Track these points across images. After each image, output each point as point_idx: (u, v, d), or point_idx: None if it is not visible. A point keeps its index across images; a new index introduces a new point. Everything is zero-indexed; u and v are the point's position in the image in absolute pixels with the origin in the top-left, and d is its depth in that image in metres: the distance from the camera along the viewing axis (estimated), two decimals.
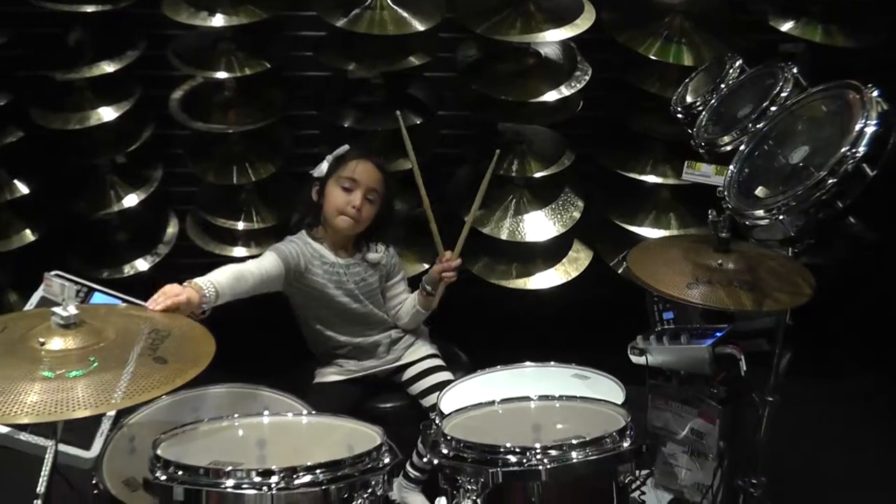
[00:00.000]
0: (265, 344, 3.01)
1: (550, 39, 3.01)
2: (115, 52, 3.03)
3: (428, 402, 2.39)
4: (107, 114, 3.05)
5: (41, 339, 1.60)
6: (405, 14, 2.97)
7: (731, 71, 2.19)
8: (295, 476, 1.34)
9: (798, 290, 1.87)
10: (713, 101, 2.15)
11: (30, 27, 3.07)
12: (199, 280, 2.00)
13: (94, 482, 1.84)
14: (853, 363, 3.41)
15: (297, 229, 2.51)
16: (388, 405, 2.43)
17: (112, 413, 2.02)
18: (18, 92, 3.08)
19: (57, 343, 1.61)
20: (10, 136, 3.09)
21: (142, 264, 3.27)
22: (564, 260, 3.24)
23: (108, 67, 3.00)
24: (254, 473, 1.33)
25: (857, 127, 1.60)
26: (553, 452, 1.42)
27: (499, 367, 2.16)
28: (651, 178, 3.14)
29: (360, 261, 2.45)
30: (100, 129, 3.07)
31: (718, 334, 1.94)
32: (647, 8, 3.09)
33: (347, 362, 2.48)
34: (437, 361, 2.53)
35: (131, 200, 3.20)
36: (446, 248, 2.50)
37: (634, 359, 2.05)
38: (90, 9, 2.94)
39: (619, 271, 3.23)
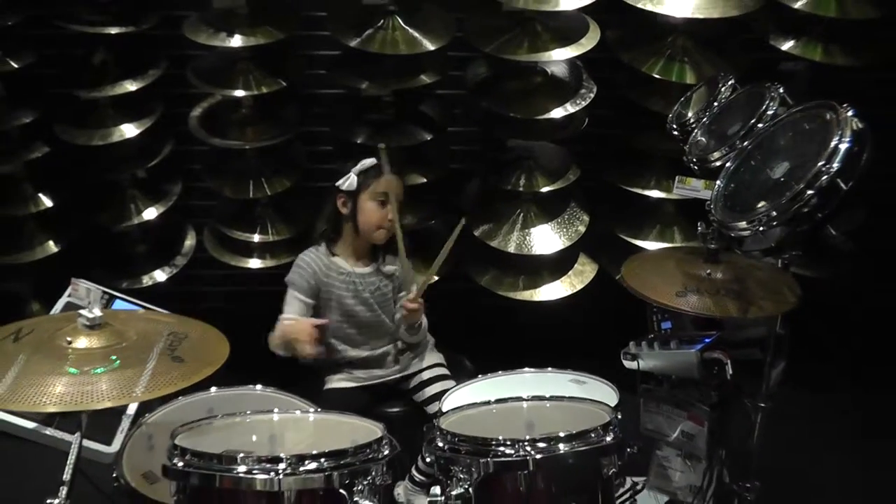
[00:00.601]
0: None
1: (557, 58, 3.15)
2: (137, 72, 3.23)
3: (432, 408, 2.51)
4: (129, 130, 3.24)
5: (68, 339, 1.76)
6: (416, 34, 3.13)
7: (723, 89, 2.32)
8: (301, 463, 1.48)
9: (783, 298, 1.99)
10: (705, 118, 2.29)
11: (57, 48, 3.28)
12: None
13: (114, 475, 1.98)
14: (845, 377, 3.50)
15: (320, 240, 2.64)
16: (395, 410, 2.56)
17: (131, 412, 2.18)
18: (45, 109, 3.27)
19: (82, 342, 1.77)
20: (36, 151, 3.29)
21: (160, 275, 3.44)
22: (570, 273, 3.37)
23: (131, 86, 3.20)
24: (264, 460, 1.48)
25: (833, 144, 1.73)
26: (541, 444, 1.55)
27: (500, 372, 2.29)
28: (654, 193, 3.26)
29: (375, 271, 2.59)
30: (122, 145, 3.27)
31: (707, 340, 2.06)
32: (651, 27, 3.22)
33: (357, 371, 2.62)
34: (442, 370, 2.66)
35: (150, 213, 3.39)
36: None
37: (627, 363, 2.17)
38: (114, 31, 3.15)
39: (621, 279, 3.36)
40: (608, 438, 1.60)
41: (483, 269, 3.37)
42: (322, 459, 1.50)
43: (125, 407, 2.19)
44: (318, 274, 2.53)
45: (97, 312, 1.79)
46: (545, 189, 3.27)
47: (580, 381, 2.14)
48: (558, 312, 3.33)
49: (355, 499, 1.49)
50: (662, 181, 3.25)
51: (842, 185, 1.72)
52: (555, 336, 3.23)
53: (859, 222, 3.28)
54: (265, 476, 1.46)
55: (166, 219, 3.44)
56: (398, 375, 2.65)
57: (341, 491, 1.49)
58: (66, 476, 1.74)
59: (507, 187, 3.28)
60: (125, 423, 2.16)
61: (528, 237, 3.29)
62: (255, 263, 3.39)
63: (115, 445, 2.10)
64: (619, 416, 1.74)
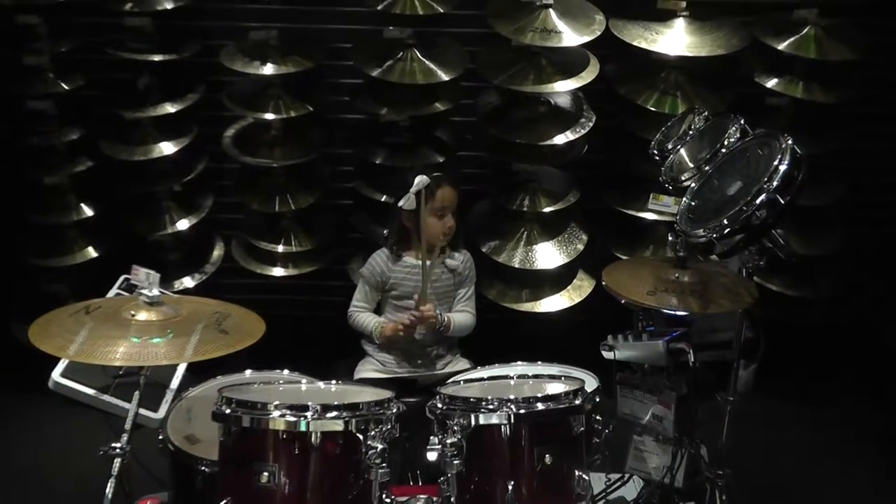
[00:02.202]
0: (309, 343, 3.61)
1: (560, 90, 3.61)
2: (177, 95, 3.72)
3: None
4: (167, 148, 3.72)
5: (132, 312, 2.23)
6: (432, 66, 3.61)
7: (696, 120, 2.77)
8: (325, 412, 1.92)
9: (740, 298, 2.41)
10: (680, 145, 2.74)
11: (105, 72, 3.78)
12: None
13: (160, 437, 2.43)
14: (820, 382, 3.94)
15: (386, 244, 3.11)
16: (415, 399, 2.88)
17: (174, 386, 2.64)
18: (90, 127, 3.76)
19: (143, 316, 2.24)
20: (80, 165, 3.78)
21: (189, 282, 3.89)
22: (570, 287, 3.81)
23: (171, 108, 3.69)
24: (294, 407, 1.92)
25: (774, 165, 2.18)
26: (521, 403, 1.98)
27: (496, 364, 2.72)
28: (649, 216, 3.68)
29: (440, 264, 3.04)
30: (160, 161, 3.75)
31: (674, 334, 2.50)
32: (646, 63, 3.69)
33: (389, 360, 3.04)
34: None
35: (183, 224, 3.86)
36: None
37: (605, 354, 2.60)
38: (157, 58, 3.64)
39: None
40: (577, 401, 2.03)
41: (489, 284, 3.80)
42: (342, 410, 1.95)
43: (170, 381, 2.65)
44: (385, 272, 3.03)
45: (156, 292, 2.26)
46: (547, 209, 3.72)
47: (566, 372, 2.57)
48: (559, 323, 3.75)
49: (368, 441, 1.93)
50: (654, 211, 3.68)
51: (780, 199, 2.15)
52: (553, 344, 3.67)
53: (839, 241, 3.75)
54: (295, 419, 1.91)
55: (197, 230, 3.91)
56: (427, 373, 3.03)
57: (358, 435, 1.93)
58: (127, 426, 2.20)
59: (512, 207, 3.74)
60: (169, 396, 2.61)
61: (531, 253, 3.73)
62: (278, 272, 3.85)
63: (161, 413, 2.55)
64: (592, 390, 2.16)
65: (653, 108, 3.60)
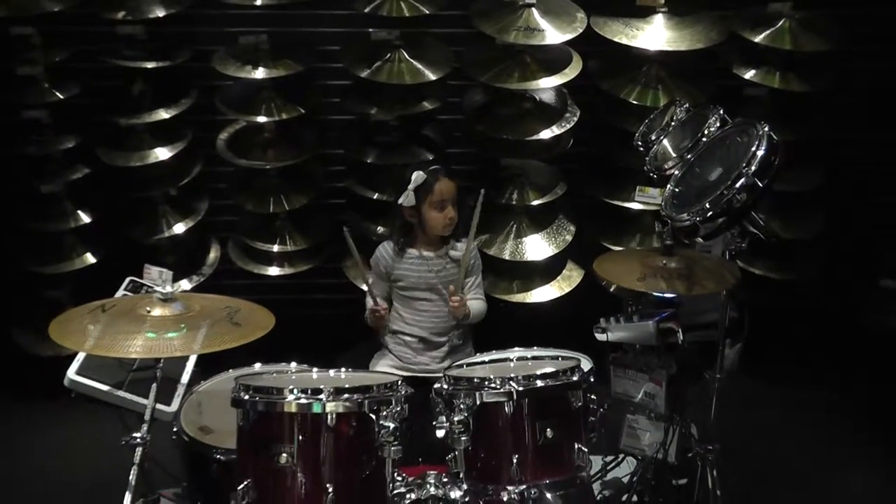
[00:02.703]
0: (307, 339, 3.73)
1: (544, 86, 3.78)
2: (171, 101, 3.84)
3: None
4: (162, 153, 3.85)
5: (148, 308, 2.36)
6: (419, 66, 3.76)
7: (678, 111, 2.94)
8: (339, 394, 2.06)
9: (724, 279, 2.57)
10: (663, 135, 2.91)
11: (100, 80, 3.89)
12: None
13: (174, 429, 2.57)
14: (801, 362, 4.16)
15: (392, 239, 3.25)
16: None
17: (185, 380, 2.78)
18: (86, 135, 3.87)
19: (157, 312, 2.37)
20: (77, 172, 3.89)
21: (186, 284, 3.99)
22: (559, 277, 3.98)
23: (165, 114, 3.81)
24: (309, 391, 2.06)
25: (752, 150, 2.34)
26: (522, 381, 2.14)
27: (493, 351, 2.87)
28: (634, 206, 3.86)
29: (444, 255, 3.18)
30: (156, 166, 3.87)
31: (663, 315, 2.66)
32: (627, 58, 3.86)
33: (406, 354, 3.19)
34: None
35: (179, 228, 3.98)
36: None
37: (599, 336, 2.76)
38: (151, 65, 3.77)
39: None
40: (574, 378, 2.19)
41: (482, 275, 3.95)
42: (354, 393, 2.09)
43: (180, 376, 2.78)
44: (390, 264, 3.19)
45: (169, 289, 2.39)
46: (535, 202, 3.89)
47: (562, 354, 2.72)
48: (550, 312, 3.92)
49: (381, 421, 2.07)
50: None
51: (759, 183, 2.32)
52: (546, 332, 3.83)
53: (819, 226, 3.94)
54: (311, 401, 2.05)
55: (193, 233, 4.02)
56: (438, 366, 3.14)
57: (370, 415, 2.07)
58: (147, 416, 2.33)
59: (501, 201, 3.89)
60: (181, 390, 2.74)
61: (520, 246, 3.89)
62: (274, 271, 4.00)
63: (174, 406, 2.68)
64: (587, 370, 2.32)
65: (635, 102, 3.77)
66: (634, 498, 2.93)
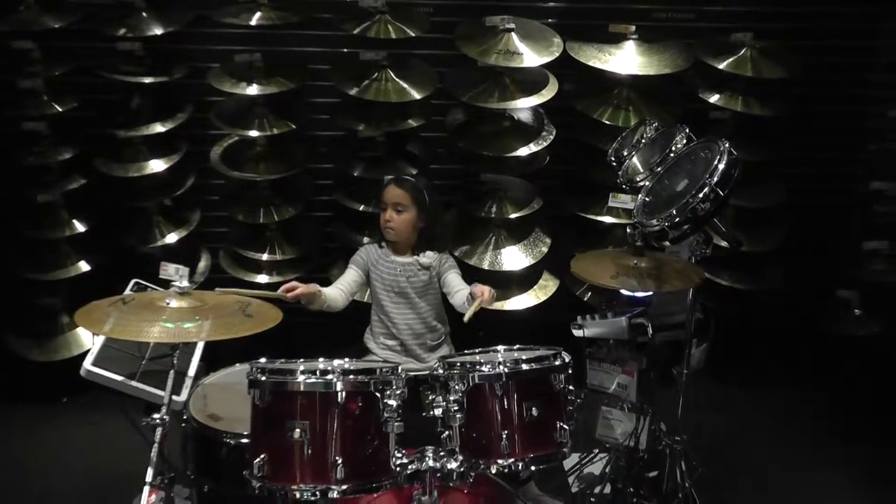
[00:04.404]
0: (295, 345, 4.00)
1: (522, 106, 4.11)
2: (167, 115, 4.11)
3: None
4: (157, 165, 4.11)
5: (167, 301, 2.64)
6: (405, 85, 4.08)
7: (648, 130, 3.29)
8: (346, 374, 2.35)
9: (689, 278, 2.91)
10: (635, 152, 3.25)
11: (97, 94, 4.16)
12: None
13: (184, 417, 2.84)
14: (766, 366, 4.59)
15: (371, 242, 3.54)
16: None
17: (192, 373, 3.05)
18: (83, 147, 4.12)
19: (175, 304, 2.65)
20: (73, 182, 4.14)
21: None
22: (536, 287, 4.30)
23: (161, 127, 4.07)
24: (318, 370, 2.35)
25: (714, 164, 2.69)
26: (510, 364, 2.44)
27: (477, 349, 3.17)
28: (606, 219, 4.21)
29: (414, 262, 3.43)
30: (151, 178, 4.13)
31: (635, 312, 3.00)
32: (600, 81, 4.22)
33: (394, 356, 3.44)
34: None
35: (172, 238, 4.24)
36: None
37: (575, 332, 3.09)
38: (148, 80, 4.04)
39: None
40: (557, 362, 2.51)
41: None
42: (359, 374, 2.39)
43: (188, 369, 3.05)
44: (370, 259, 3.45)
45: (186, 283, 2.68)
46: (513, 216, 4.21)
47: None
48: (526, 320, 4.24)
49: (385, 400, 2.36)
50: (613, 209, 4.19)
51: (720, 192, 2.66)
52: (522, 338, 4.14)
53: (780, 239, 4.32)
54: (323, 380, 2.33)
55: (184, 243, 4.28)
56: (423, 366, 3.39)
57: (376, 394, 2.36)
58: (166, 400, 2.61)
59: (481, 214, 4.21)
60: (188, 382, 3.01)
61: (499, 256, 4.21)
62: (263, 279, 4.26)
63: (183, 396, 2.95)
64: (567, 360, 2.62)
65: (607, 122, 4.12)
66: (608, 488, 3.25)
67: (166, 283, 3.48)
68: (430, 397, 2.56)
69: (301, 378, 2.36)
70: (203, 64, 4.17)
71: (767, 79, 4.15)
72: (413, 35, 4.03)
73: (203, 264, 4.40)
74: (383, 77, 4.09)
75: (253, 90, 4.02)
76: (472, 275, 4.18)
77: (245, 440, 2.62)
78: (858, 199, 4.56)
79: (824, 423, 4.17)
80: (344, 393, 2.34)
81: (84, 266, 4.22)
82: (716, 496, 3.40)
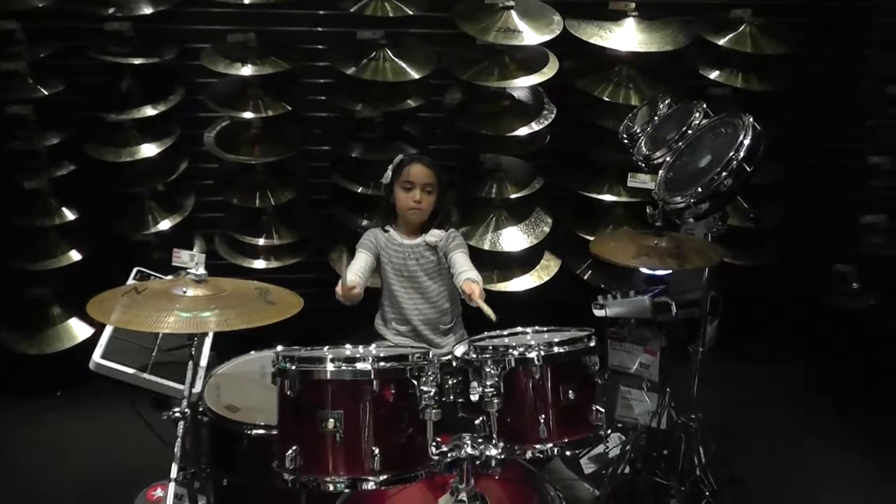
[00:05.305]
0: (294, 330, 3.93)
1: (522, 85, 4.05)
2: (158, 98, 3.98)
3: None
4: (150, 150, 3.98)
5: (183, 289, 2.53)
6: (403, 64, 3.99)
7: (661, 106, 3.23)
8: (378, 360, 2.26)
9: (709, 257, 2.86)
10: (649, 128, 3.20)
11: (87, 76, 4.01)
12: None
13: (200, 409, 2.74)
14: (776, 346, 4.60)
15: (373, 226, 3.43)
16: None
17: (204, 363, 2.95)
18: (72, 131, 3.98)
19: (191, 292, 2.54)
20: (62, 168, 3.99)
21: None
22: (537, 267, 4.24)
23: (152, 110, 3.94)
24: (349, 358, 2.26)
25: (740, 139, 2.64)
26: (544, 347, 2.39)
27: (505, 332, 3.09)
28: (607, 198, 4.16)
29: (422, 242, 3.34)
30: (144, 163, 4.00)
31: (657, 290, 2.96)
32: (601, 59, 4.16)
33: (407, 342, 3.35)
34: None
35: (165, 224, 4.12)
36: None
37: (597, 312, 3.02)
38: (138, 61, 3.90)
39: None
40: (591, 344, 2.45)
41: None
42: (391, 360, 2.30)
43: (200, 359, 2.94)
44: (379, 243, 3.33)
45: (202, 271, 2.57)
46: (514, 196, 4.14)
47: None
48: (529, 301, 4.17)
49: (421, 387, 2.28)
50: (614, 187, 4.16)
51: (746, 168, 2.62)
52: (526, 320, 4.09)
53: (780, 215, 4.30)
54: (357, 368, 2.24)
55: (179, 229, 4.16)
56: (439, 352, 3.26)
57: (412, 380, 2.29)
58: (185, 392, 2.50)
59: (481, 195, 4.14)
60: (201, 373, 2.91)
61: (499, 237, 4.14)
62: (260, 264, 4.16)
63: (198, 387, 2.84)
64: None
65: (608, 100, 4.06)
66: (627, 468, 3.21)
67: (171, 271, 3.46)
68: (450, 382, 2.49)
69: (332, 366, 2.27)
70: (195, 44, 4.03)
71: (767, 55, 4.12)
72: (411, 13, 3.93)
73: (199, 251, 4.27)
74: (381, 56, 4.00)
75: (247, 71, 3.90)
76: (472, 257, 4.13)
77: (264, 431, 2.57)
78: (856, 174, 4.55)
79: (827, 389, 4.25)
80: (379, 380, 2.25)
81: (75, 255, 4.08)
82: (726, 473, 3.38)
